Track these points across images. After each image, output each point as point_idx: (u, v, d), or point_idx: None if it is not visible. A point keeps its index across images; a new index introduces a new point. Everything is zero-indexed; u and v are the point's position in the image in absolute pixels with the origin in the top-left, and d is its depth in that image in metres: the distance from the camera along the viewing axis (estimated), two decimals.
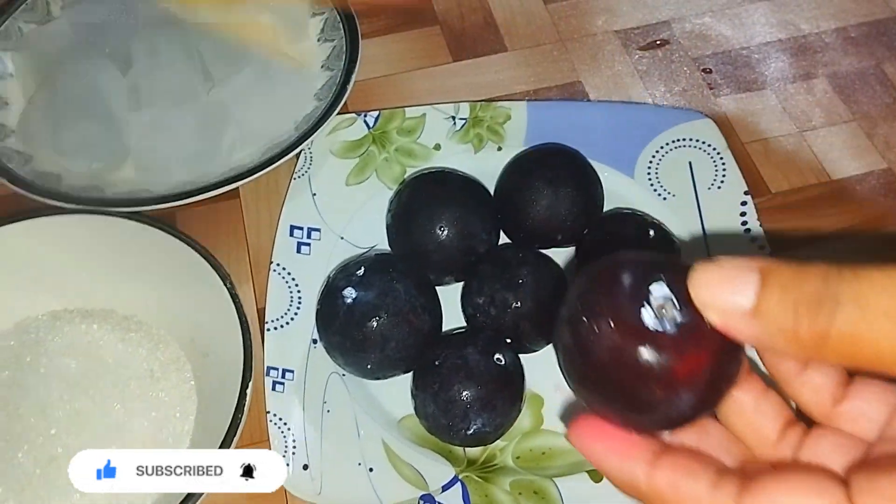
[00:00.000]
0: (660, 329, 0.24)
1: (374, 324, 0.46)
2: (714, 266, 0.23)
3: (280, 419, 0.47)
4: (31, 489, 0.45)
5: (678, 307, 0.24)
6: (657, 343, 0.24)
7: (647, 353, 0.24)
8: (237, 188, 0.55)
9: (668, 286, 0.24)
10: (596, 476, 0.47)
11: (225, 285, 0.47)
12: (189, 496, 0.41)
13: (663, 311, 0.24)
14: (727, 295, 0.23)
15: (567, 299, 0.27)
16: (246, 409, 0.43)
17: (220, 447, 0.42)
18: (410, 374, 0.48)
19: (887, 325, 0.20)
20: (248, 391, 0.44)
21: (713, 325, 0.23)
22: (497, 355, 0.46)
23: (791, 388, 0.28)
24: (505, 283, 0.48)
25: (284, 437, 0.47)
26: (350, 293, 0.47)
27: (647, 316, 0.24)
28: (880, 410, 0.27)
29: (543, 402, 0.50)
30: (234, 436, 0.42)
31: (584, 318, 0.25)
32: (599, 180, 0.53)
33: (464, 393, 0.45)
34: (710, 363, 0.24)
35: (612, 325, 0.24)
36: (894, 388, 0.27)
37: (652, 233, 0.50)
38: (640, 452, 0.26)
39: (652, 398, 0.24)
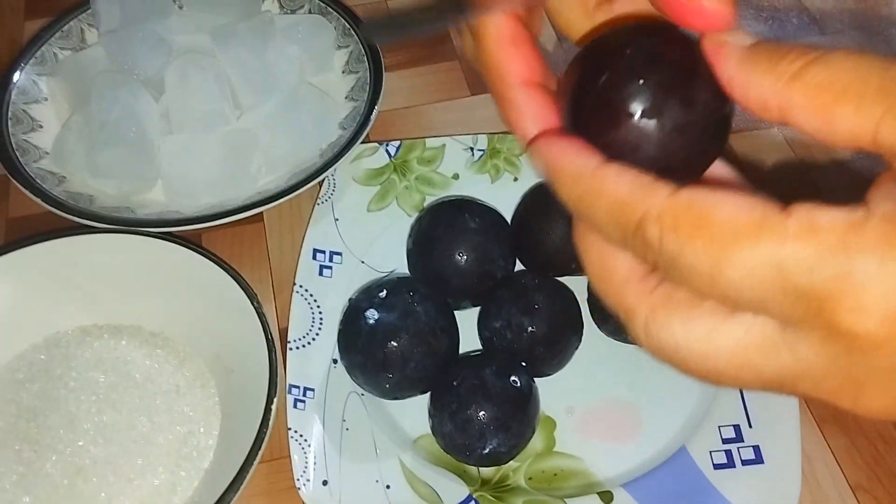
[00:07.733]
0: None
1: (395, 344, 0.48)
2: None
3: (301, 436, 0.49)
4: (58, 499, 0.46)
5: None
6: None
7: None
8: (261, 212, 0.57)
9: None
10: (607, 497, 0.48)
11: (252, 304, 0.49)
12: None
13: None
14: None
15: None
16: (271, 424, 0.45)
17: (245, 461, 0.43)
18: (427, 395, 0.50)
19: None
20: (273, 407, 0.45)
21: None
22: (513, 377, 0.48)
23: None
24: (521, 308, 0.50)
25: (305, 452, 0.48)
26: (372, 314, 0.49)
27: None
28: None
29: (556, 424, 0.51)
30: (259, 450, 0.44)
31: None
32: None
33: (480, 413, 0.46)
34: None
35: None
36: None
37: None
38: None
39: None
